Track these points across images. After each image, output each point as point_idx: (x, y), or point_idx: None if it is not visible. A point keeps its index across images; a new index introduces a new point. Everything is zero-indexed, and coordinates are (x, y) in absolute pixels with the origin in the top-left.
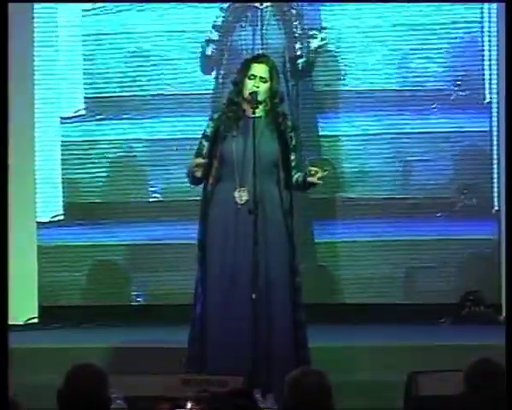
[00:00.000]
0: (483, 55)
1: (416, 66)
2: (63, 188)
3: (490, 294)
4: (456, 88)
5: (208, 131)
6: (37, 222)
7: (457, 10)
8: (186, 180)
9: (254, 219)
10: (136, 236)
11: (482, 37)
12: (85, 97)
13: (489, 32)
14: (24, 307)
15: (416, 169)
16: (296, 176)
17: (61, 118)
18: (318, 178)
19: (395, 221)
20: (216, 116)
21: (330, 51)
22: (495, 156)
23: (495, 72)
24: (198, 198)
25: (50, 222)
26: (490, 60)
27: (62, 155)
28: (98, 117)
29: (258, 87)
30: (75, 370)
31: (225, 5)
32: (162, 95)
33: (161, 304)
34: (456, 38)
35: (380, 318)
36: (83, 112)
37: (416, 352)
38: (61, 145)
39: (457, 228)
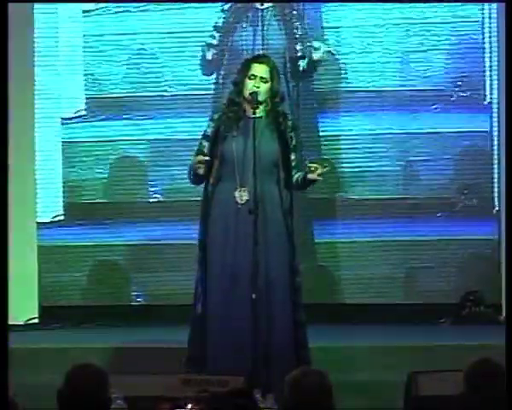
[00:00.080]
0: (483, 56)
1: (416, 66)
2: (63, 188)
3: (490, 294)
4: (456, 88)
5: (209, 131)
6: (38, 222)
7: (458, 10)
8: (187, 180)
9: (254, 219)
10: (136, 236)
11: (482, 37)
12: (86, 98)
13: (489, 32)
14: (24, 307)
15: (416, 169)
16: (296, 176)
17: (62, 118)
18: (318, 175)
19: (395, 221)
20: (216, 116)
21: (330, 52)
22: (495, 156)
23: (495, 72)
24: (198, 198)
25: (51, 222)
26: (490, 60)
27: (62, 155)
28: (98, 117)
29: (258, 87)
30: (75, 370)
31: (226, 6)
32: (163, 95)
33: (161, 304)
34: (456, 38)
35: (380, 318)
36: (83, 112)
37: (416, 352)
38: (62, 145)
39: (458, 228)
